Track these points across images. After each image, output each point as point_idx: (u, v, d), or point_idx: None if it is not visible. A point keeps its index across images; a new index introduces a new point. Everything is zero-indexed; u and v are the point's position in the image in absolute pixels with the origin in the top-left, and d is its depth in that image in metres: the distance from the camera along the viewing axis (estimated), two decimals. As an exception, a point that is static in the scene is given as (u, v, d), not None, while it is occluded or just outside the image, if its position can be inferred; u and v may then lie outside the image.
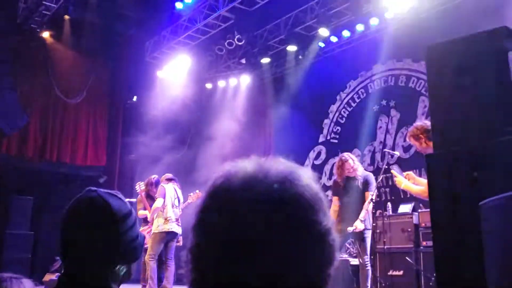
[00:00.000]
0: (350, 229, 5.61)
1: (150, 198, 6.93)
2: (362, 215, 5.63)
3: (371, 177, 5.95)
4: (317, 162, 10.62)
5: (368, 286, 5.60)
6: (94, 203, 1.30)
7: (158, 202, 6.42)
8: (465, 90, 2.63)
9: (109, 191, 1.36)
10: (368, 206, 5.69)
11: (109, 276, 1.29)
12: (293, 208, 0.69)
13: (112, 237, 1.28)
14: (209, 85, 11.95)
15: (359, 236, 5.68)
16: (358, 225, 5.60)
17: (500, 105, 2.60)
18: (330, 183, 6.55)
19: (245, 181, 0.71)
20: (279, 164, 0.75)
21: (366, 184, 5.82)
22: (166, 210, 6.43)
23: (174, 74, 11.05)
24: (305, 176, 0.74)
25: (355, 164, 5.87)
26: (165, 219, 6.39)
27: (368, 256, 5.68)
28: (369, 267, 5.63)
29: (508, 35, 2.73)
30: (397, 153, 7.26)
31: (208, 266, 0.69)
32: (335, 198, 6.03)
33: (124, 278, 1.35)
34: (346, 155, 5.97)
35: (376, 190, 6.00)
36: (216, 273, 0.68)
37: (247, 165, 0.74)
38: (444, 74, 2.72)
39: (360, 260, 5.70)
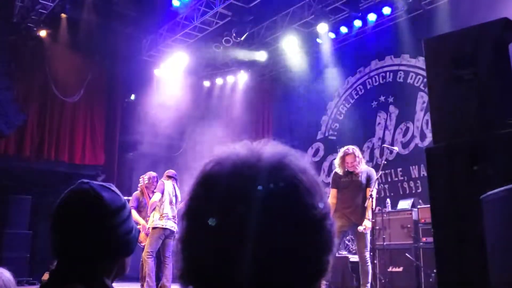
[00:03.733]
0: (360, 228, 5.50)
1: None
2: (368, 214, 5.50)
3: (373, 172, 5.83)
4: (315, 159, 10.59)
5: (368, 283, 5.55)
6: (86, 195, 1.26)
7: (156, 196, 6.42)
8: (464, 82, 2.61)
9: (102, 183, 1.32)
10: (371, 203, 5.56)
11: (102, 270, 1.26)
12: (289, 192, 0.65)
13: (104, 230, 1.24)
14: (206, 83, 11.92)
15: (359, 233, 5.60)
16: (367, 225, 5.49)
17: (499, 97, 2.57)
18: (328, 180, 6.45)
19: (237, 166, 0.68)
20: (272, 147, 0.72)
21: (368, 179, 5.70)
22: (163, 206, 6.42)
23: (171, 72, 11.01)
24: (301, 160, 0.71)
25: (356, 161, 5.67)
26: (161, 214, 6.37)
27: (368, 253, 5.60)
28: (369, 264, 5.56)
29: (507, 26, 2.70)
30: (395, 149, 7.24)
31: (200, 256, 0.66)
32: (333, 191, 5.88)
33: (119, 272, 1.31)
34: (351, 148, 5.77)
35: (376, 186, 5.86)
36: (208, 263, 0.65)
37: (238, 149, 0.71)
38: (443, 66, 2.69)
39: (360, 257, 5.64)
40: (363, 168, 5.79)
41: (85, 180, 1.30)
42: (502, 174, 2.29)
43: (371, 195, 5.59)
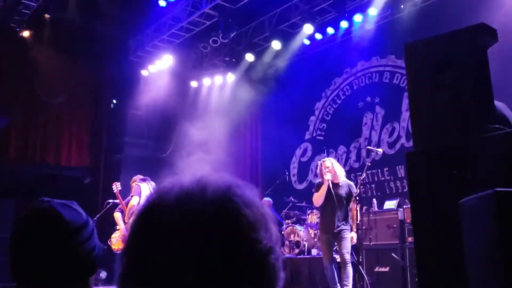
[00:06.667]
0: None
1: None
2: (354, 227, 5.96)
3: (353, 186, 6.14)
4: (303, 159, 10.63)
5: (351, 283, 5.74)
6: (46, 214, 1.23)
7: (134, 200, 6.39)
8: (445, 87, 2.62)
9: (63, 201, 1.29)
10: (354, 216, 5.99)
11: None
12: (230, 226, 0.64)
13: (65, 251, 1.21)
14: (194, 83, 11.88)
15: (339, 237, 5.84)
16: (354, 237, 5.92)
17: (479, 102, 2.59)
18: (316, 180, 6.56)
19: (179, 198, 0.65)
20: (219, 179, 0.69)
21: (350, 195, 6.01)
22: None
23: (158, 72, 10.96)
24: (247, 191, 0.69)
25: (329, 168, 6.01)
26: None
27: (349, 254, 5.81)
28: (350, 265, 5.77)
29: (486, 31, 2.73)
30: (380, 150, 7.23)
31: None
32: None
33: None
34: (327, 160, 6.18)
35: (357, 190, 6.17)
36: None
37: (184, 181, 0.69)
38: (423, 71, 2.71)
39: (341, 258, 5.85)
40: (344, 180, 6.12)
41: (46, 199, 1.27)
42: (481, 178, 2.30)
43: (351, 208, 6.00)
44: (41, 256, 1.20)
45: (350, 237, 5.84)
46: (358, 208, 6.17)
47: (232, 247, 0.63)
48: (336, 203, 5.87)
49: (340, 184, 5.99)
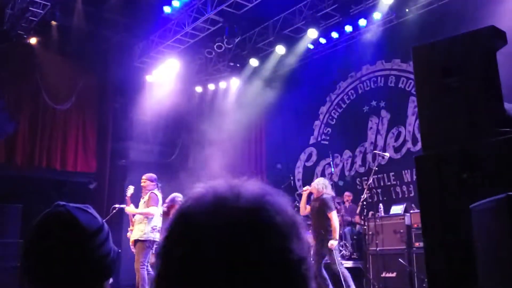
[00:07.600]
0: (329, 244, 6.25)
1: None
2: (335, 235, 6.24)
3: (328, 199, 6.43)
4: (308, 164, 10.61)
5: (350, 286, 6.04)
6: (62, 218, 1.22)
7: (154, 211, 6.35)
8: (453, 90, 2.61)
9: (79, 205, 1.28)
10: (334, 225, 6.23)
11: None
12: (263, 235, 0.64)
13: (81, 255, 1.20)
14: (199, 89, 11.90)
15: (328, 250, 6.17)
16: (333, 243, 6.15)
17: (488, 105, 2.58)
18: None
19: (213, 205, 0.66)
20: (252, 186, 0.69)
21: (323, 206, 6.32)
22: (155, 218, 6.38)
23: (163, 78, 10.98)
24: (280, 199, 0.69)
25: (312, 187, 6.60)
26: (152, 227, 6.33)
27: (338, 266, 6.15)
28: (342, 271, 6.11)
29: (496, 34, 2.71)
30: (387, 155, 7.27)
31: None
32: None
33: None
34: (315, 181, 6.80)
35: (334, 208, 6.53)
36: None
37: (218, 187, 0.69)
38: (432, 74, 2.70)
39: (333, 270, 6.16)
40: (324, 194, 6.46)
41: (61, 203, 1.27)
42: (491, 182, 2.29)
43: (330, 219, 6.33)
44: (57, 260, 1.19)
45: (331, 248, 6.13)
46: (359, 212, 6.72)
47: (264, 257, 0.63)
48: (311, 214, 6.53)
49: (316, 197, 6.49)
